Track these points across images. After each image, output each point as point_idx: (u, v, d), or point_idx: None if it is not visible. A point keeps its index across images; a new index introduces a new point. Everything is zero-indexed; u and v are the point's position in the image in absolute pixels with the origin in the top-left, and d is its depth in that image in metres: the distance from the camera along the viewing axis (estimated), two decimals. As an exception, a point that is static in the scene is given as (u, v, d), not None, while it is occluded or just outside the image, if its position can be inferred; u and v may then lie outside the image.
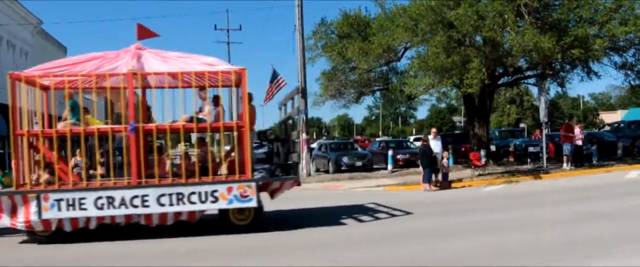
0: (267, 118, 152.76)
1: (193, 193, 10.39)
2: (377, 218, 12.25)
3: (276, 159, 12.15)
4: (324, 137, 75.98)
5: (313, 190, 19.97)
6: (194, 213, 10.74)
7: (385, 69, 25.34)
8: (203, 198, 10.43)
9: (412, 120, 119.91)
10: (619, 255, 7.61)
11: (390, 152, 25.54)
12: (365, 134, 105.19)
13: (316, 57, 25.23)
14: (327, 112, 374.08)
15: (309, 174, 24.13)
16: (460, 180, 19.40)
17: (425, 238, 9.59)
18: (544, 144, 22.08)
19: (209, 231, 10.85)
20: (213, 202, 10.52)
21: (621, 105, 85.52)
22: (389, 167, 24.92)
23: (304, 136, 24.27)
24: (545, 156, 21.78)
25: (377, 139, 47.92)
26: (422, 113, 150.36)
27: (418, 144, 27.55)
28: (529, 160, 24.24)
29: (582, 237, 8.82)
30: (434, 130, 20.61)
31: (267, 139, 13.52)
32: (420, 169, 18.39)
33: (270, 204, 12.23)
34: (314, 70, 73.42)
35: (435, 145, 18.47)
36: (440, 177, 18.31)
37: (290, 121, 12.85)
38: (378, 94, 29.55)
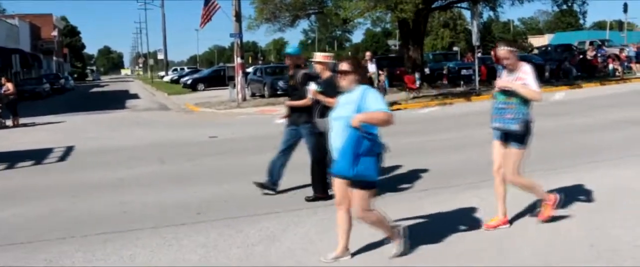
0: (202, 43, 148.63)
1: None
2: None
3: None
4: (260, 62, 74.96)
5: (248, 115, 19.75)
6: None
7: (321, -8, 24.80)
8: None
9: (348, 44, 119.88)
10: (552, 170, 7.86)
11: (326, 76, 25.35)
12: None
13: (251, -21, 24.37)
14: (262, 36, 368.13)
15: (244, 99, 23.79)
16: (395, 102, 19.61)
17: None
18: (476, 67, 22.52)
19: None
20: None
21: (548, 30, 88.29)
22: (325, 91, 24.80)
23: (238, 60, 23.75)
24: (477, 79, 22.28)
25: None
26: (357, 37, 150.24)
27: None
28: (462, 82, 24.74)
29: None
30: (368, 53, 20.52)
31: None
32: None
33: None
34: (248, -7, 70.86)
35: (371, 69, 18.48)
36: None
37: None
38: (313, 17, 29.06)
